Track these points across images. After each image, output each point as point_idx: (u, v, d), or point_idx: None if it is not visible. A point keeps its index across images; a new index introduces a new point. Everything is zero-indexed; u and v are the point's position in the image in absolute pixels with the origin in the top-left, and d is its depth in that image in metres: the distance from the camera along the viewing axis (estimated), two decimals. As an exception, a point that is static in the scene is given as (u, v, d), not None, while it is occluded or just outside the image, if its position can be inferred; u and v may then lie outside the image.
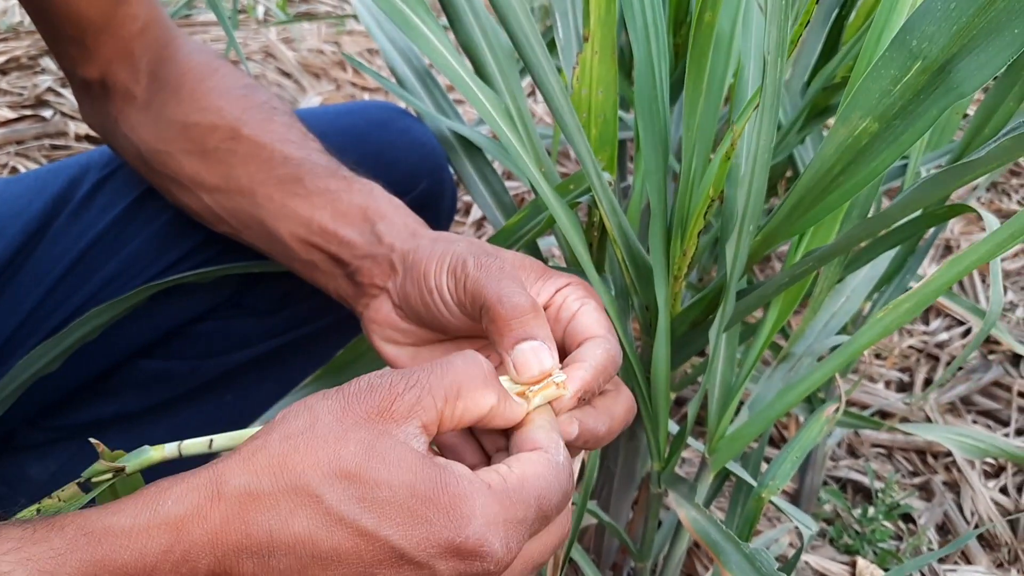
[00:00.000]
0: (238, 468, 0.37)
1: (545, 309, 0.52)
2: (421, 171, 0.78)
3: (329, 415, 0.38)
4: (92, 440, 0.47)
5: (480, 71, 0.67)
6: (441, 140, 0.79)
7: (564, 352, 0.51)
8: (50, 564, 0.34)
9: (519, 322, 0.46)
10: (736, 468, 0.67)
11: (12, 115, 1.51)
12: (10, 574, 0.33)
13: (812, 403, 0.90)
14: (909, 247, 0.86)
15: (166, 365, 0.78)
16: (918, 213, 0.58)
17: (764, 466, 0.93)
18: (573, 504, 0.63)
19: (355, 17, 1.72)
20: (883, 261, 0.77)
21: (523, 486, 0.39)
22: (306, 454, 0.37)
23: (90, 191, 0.74)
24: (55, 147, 1.47)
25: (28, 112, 1.53)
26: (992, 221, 0.60)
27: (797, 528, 0.85)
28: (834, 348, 0.69)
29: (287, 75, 1.77)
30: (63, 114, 1.53)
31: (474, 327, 0.51)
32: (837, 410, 0.62)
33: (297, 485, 0.36)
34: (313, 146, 0.65)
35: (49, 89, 1.57)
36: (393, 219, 0.58)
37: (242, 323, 0.78)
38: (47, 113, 1.53)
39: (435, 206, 0.80)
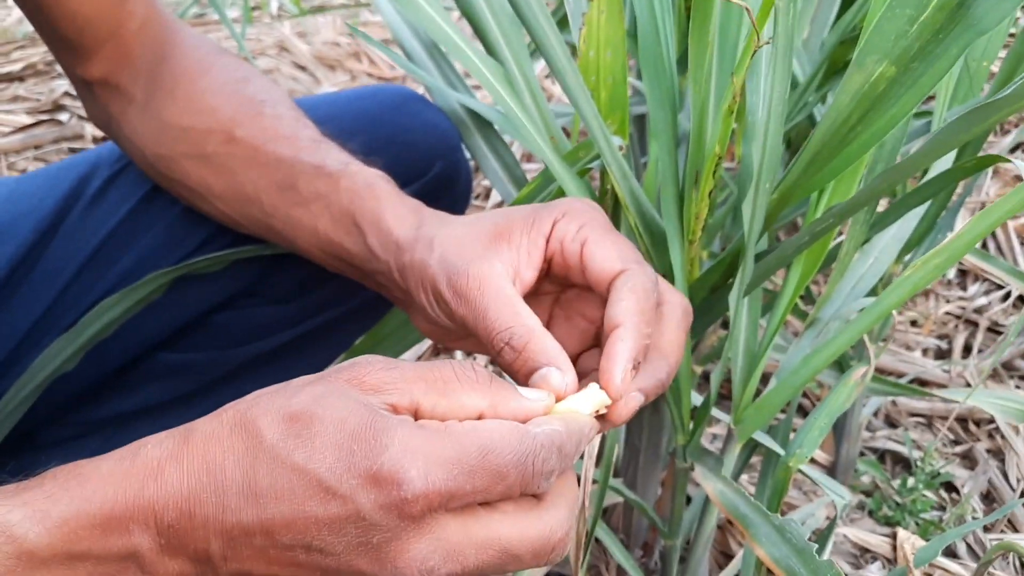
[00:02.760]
0: (208, 419, 0.40)
1: (551, 262, 0.51)
2: (435, 153, 0.77)
3: (301, 380, 0.40)
4: None
5: (484, 40, 0.66)
6: (453, 118, 0.77)
7: (592, 287, 0.50)
8: (43, 504, 0.37)
9: (521, 360, 0.46)
10: (763, 437, 0.65)
11: (30, 120, 1.53)
12: (8, 514, 0.37)
13: (843, 370, 0.88)
14: (939, 204, 0.83)
15: (186, 357, 0.78)
16: (947, 167, 0.56)
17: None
18: (595, 482, 0.61)
19: (367, 6, 1.71)
20: (912, 221, 0.74)
21: (468, 434, 0.39)
22: (264, 405, 0.39)
23: (101, 187, 0.74)
24: (73, 150, 1.48)
25: (45, 117, 1.54)
26: (1025, 171, 0.57)
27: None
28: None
29: (302, 68, 1.77)
30: (80, 117, 1.54)
31: None
32: (866, 373, 0.60)
33: (247, 428, 0.38)
34: (305, 135, 0.63)
35: (65, 93, 1.58)
36: (379, 226, 0.56)
37: (260, 312, 0.78)
38: (64, 117, 1.54)
39: (450, 188, 0.79)
